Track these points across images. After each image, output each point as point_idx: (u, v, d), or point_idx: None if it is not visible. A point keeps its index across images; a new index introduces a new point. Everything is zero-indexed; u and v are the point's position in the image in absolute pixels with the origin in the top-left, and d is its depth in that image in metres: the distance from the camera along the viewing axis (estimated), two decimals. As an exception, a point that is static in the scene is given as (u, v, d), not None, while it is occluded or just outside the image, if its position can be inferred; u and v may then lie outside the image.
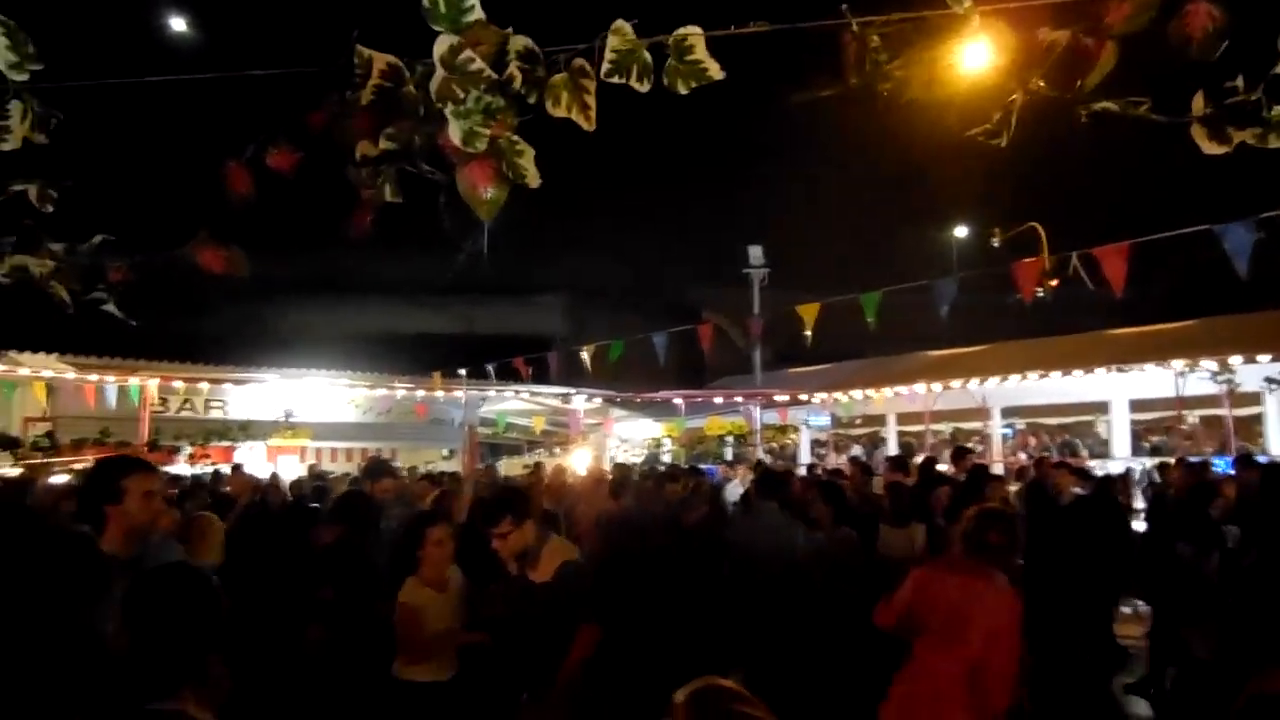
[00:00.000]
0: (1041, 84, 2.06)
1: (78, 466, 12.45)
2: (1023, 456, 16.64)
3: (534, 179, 2.34)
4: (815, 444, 21.60)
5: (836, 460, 18.12)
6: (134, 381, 14.99)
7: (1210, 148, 1.97)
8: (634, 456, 21.08)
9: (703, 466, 14.32)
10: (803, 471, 13.21)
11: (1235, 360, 12.85)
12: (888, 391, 17.83)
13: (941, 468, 9.81)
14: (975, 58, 2.15)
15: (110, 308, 2.60)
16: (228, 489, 9.18)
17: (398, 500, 6.96)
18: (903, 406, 18.96)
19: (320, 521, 7.21)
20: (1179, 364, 13.38)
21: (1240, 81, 1.91)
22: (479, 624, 4.37)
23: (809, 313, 9.91)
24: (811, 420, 20.80)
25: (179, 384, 16.49)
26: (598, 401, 20.63)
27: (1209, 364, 13.09)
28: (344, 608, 4.68)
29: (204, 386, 16.99)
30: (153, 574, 2.26)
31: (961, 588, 3.89)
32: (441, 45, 2.21)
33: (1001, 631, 3.74)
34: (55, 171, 2.70)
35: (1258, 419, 14.44)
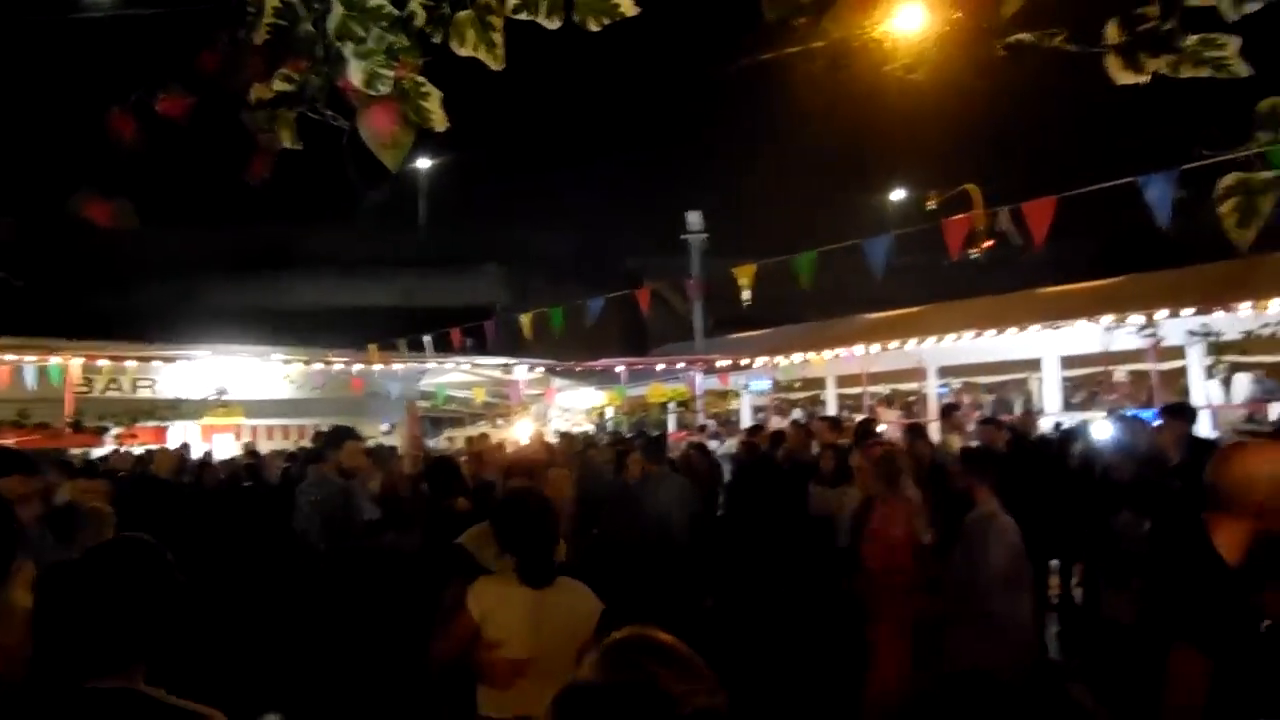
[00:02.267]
0: (958, 14, 2.02)
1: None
2: (957, 414, 16.94)
3: (441, 122, 2.24)
4: (756, 409, 21.74)
5: (779, 423, 18.27)
6: (54, 361, 14.43)
7: (1124, 77, 1.94)
8: (577, 426, 21.01)
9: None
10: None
11: (1161, 315, 13.20)
12: (827, 354, 18.00)
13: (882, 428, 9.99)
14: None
15: (-9, 267, 2.44)
16: (153, 468, 8.91)
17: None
18: (841, 369, 19.16)
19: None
20: (1107, 319, 13.70)
21: (1155, 8, 1.89)
22: None
23: (745, 274, 9.93)
24: (752, 385, 20.94)
25: (104, 362, 15.91)
26: (539, 371, 20.50)
27: (1136, 319, 13.42)
28: None
29: (131, 365, 16.46)
30: (105, 546, 2.14)
31: None
32: (338, -21, 2.09)
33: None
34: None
35: (1182, 373, 14.87)
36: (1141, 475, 6.95)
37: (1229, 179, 1.93)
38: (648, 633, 1.39)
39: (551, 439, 14.34)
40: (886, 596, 4.84)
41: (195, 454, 12.63)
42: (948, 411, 10.02)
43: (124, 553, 2.08)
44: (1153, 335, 13.42)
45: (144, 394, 17.61)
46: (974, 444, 8.37)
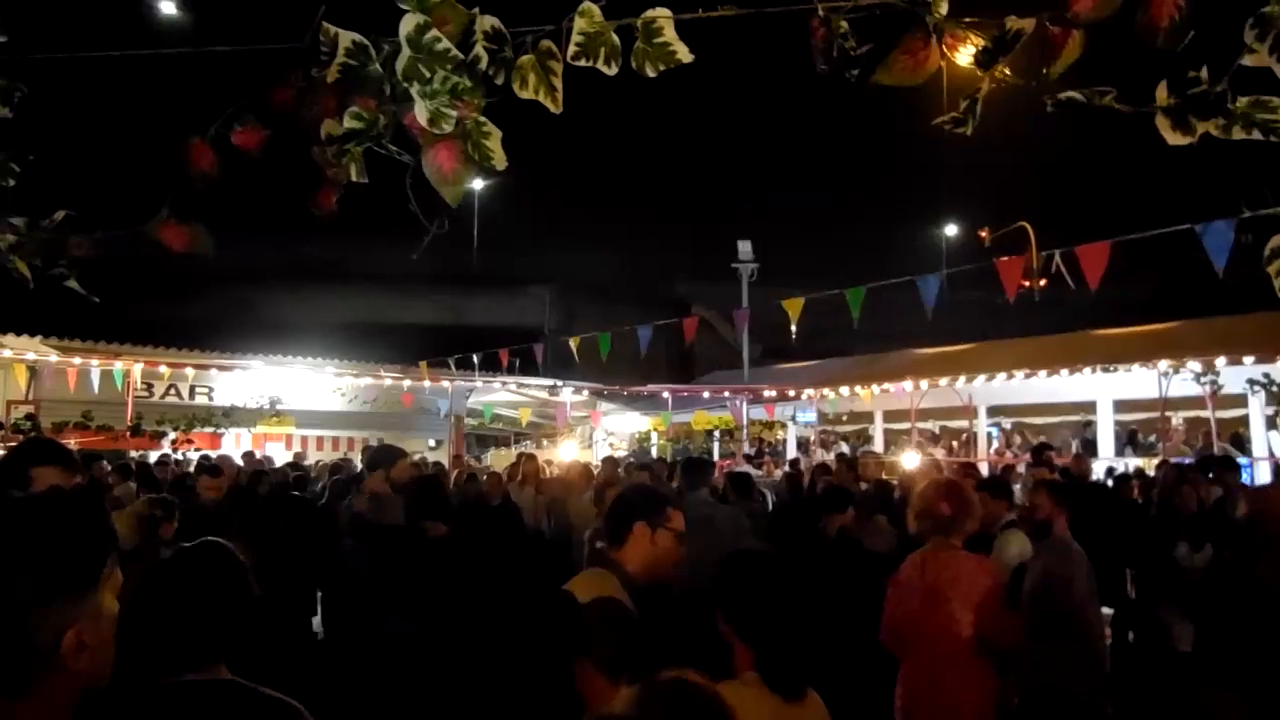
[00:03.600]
0: (1007, 72, 2.05)
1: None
2: (1009, 455, 16.71)
3: (501, 161, 2.32)
4: (801, 441, 21.63)
5: (823, 456, 18.15)
6: (118, 365, 14.90)
7: (1174, 138, 1.96)
8: (620, 450, 21.08)
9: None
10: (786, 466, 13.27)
11: (1220, 362, 12.92)
12: (875, 388, 17.87)
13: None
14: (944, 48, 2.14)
15: (72, 284, 2.56)
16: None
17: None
18: (889, 404, 19.01)
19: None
20: (1164, 364, 13.44)
21: (1204, 73, 1.90)
22: None
23: (794, 307, 9.92)
24: (799, 416, 20.84)
25: (164, 369, 16.37)
26: (585, 394, 20.61)
27: (1194, 365, 13.15)
28: None
29: (189, 372, 16.88)
30: (194, 550, 2.30)
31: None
32: (408, 24, 2.19)
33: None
34: (18, 146, 2.66)
35: (1243, 421, 14.51)
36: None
37: (1277, 240, 1.93)
38: (686, 677, 1.44)
39: (594, 462, 14.39)
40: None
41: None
42: (1040, 451, 10.06)
43: (209, 555, 2.26)
44: (1211, 382, 13.12)
45: (201, 401, 18.06)
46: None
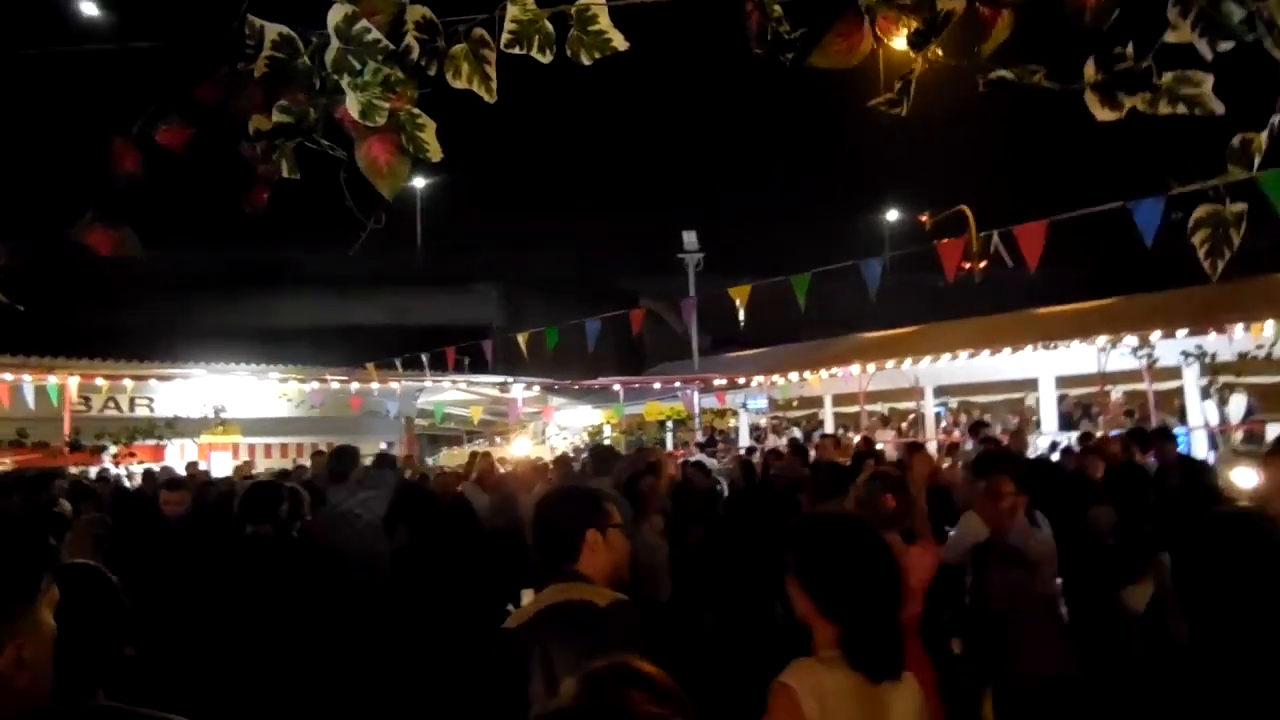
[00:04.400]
0: (939, 53, 2.07)
1: (-7, 468, 12.01)
2: (956, 433, 17.01)
3: (436, 153, 2.28)
4: (754, 427, 21.78)
5: (775, 442, 18.30)
6: (52, 380, 14.46)
7: (1102, 114, 1.99)
8: (572, 445, 21.03)
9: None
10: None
11: (1155, 336, 13.28)
12: (823, 373, 18.05)
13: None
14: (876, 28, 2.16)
15: (-8, 292, 2.47)
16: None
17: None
18: (838, 388, 19.21)
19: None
20: (1102, 340, 13.78)
21: (1130, 49, 1.94)
22: None
23: (741, 294, 9.97)
24: (749, 403, 20.98)
25: (101, 380, 15.91)
26: (536, 390, 20.53)
27: (1130, 340, 13.50)
28: None
29: (128, 383, 16.46)
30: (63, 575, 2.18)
31: None
32: (336, 15, 2.14)
33: None
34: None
35: (1178, 392, 14.92)
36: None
37: (1200, 211, 1.98)
38: (628, 661, 1.43)
39: (546, 456, 14.34)
40: None
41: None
42: (977, 429, 10.11)
43: (77, 581, 2.09)
44: (1147, 356, 13.49)
45: (142, 412, 17.62)
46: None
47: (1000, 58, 2.09)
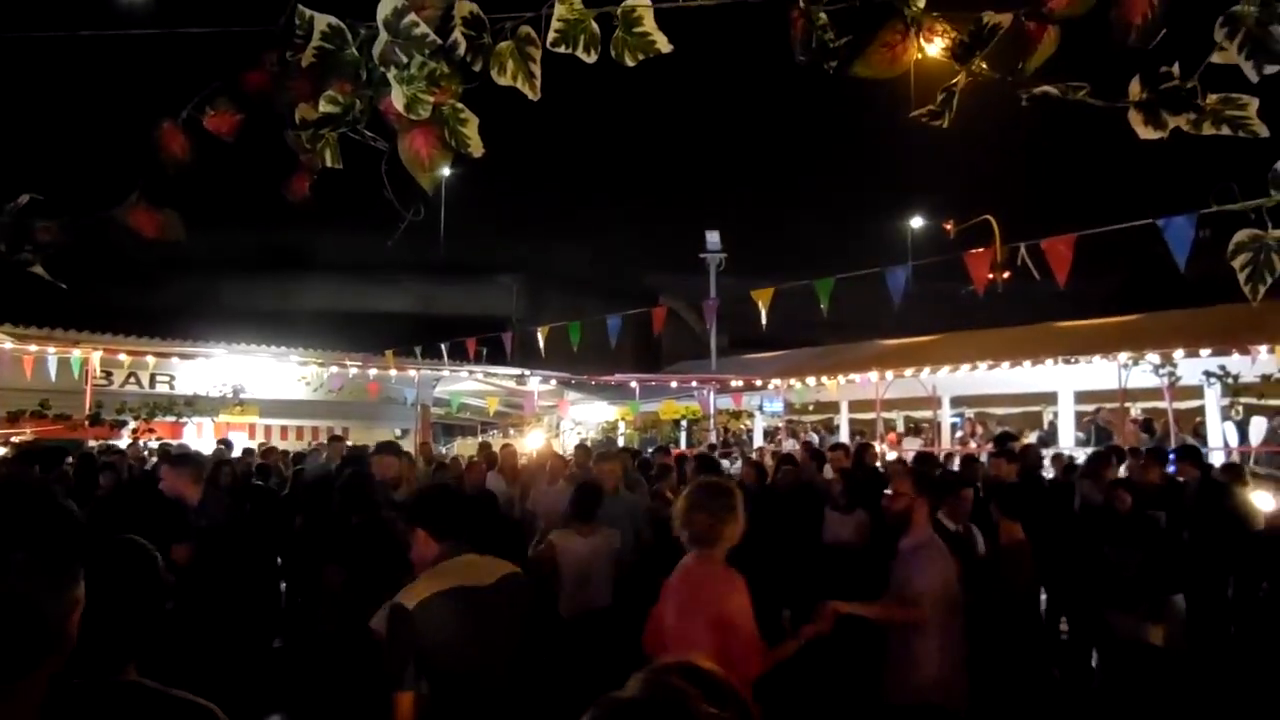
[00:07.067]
0: (984, 66, 2.08)
1: (16, 439, 12.15)
2: (972, 445, 16.95)
3: (477, 148, 2.30)
4: (768, 430, 21.76)
5: (790, 445, 18.27)
6: (76, 353, 14.62)
7: (1145, 133, 2.00)
8: (589, 439, 21.05)
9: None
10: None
11: (1178, 354, 13.18)
12: (841, 379, 18.01)
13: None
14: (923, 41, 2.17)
15: (38, 269, 2.50)
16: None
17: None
18: (855, 394, 19.17)
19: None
20: (1124, 356, 13.68)
21: (1176, 69, 1.94)
22: None
23: (763, 297, 9.98)
24: (765, 406, 20.95)
25: (123, 356, 16.06)
26: (553, 383, 20.57)
27: (1152, 357, 13.40)
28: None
29: (149, 360, 16.60)
30: (99, 549, 2.21)
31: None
32: (385, 8, 2.17)
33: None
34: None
35: (1199, 412, 14.81)
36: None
37: (1242, 235, 1.98)
38: (691, 659, 1.46)
39: (561, 450, 14.38)
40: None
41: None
42: (1003, 441, 9.99)
43: (115, 554, 2.13)
44: (1169, 374, 13.38)
45: (162, 389, 17.77)
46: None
47: (1042, 73, 2.09)
